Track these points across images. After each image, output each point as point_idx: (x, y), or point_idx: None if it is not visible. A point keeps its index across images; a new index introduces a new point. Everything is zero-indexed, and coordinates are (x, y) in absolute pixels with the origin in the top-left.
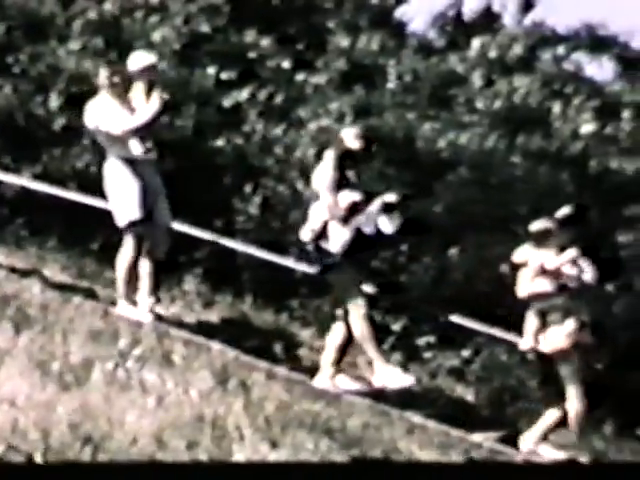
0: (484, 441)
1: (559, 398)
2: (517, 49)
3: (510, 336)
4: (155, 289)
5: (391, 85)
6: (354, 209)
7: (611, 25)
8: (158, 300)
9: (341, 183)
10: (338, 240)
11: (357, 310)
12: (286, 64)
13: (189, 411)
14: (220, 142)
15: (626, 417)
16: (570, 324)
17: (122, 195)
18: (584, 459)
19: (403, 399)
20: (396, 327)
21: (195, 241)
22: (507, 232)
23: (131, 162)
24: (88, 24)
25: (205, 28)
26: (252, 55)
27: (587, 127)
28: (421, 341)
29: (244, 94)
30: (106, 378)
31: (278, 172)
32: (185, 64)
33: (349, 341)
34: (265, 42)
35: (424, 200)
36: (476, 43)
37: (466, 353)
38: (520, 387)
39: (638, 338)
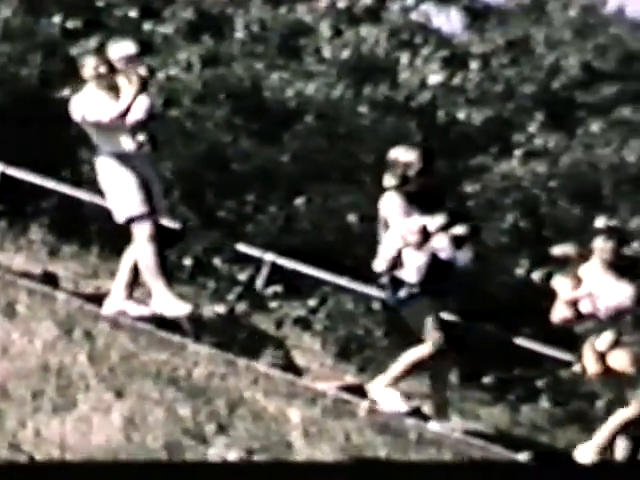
0: (329, 390)
1: None
2: None
3: (356, 285)
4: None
5: (239, 35)
6: (427, 233)
7: None
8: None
9: (410, 206)
10: (414, 267)
11: (431, 348)
12: (133, 13)
13: (34, 361)
14: (67, 92)
15: (471, 366)
16: (602, 345)
17: (120, 192)
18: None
19: (249, 348)
20: (242, 277)
21: (42, 190)
22: (354, 182)
23: (124, 157)
24: None
25: None
26: (99, 4)
27: (435, 77)
28: (268, 290)
29: (91, 43)
30: None
31: None
32: (30, 13)
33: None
34: None
35: (271, 149)
36: None
37: (312, 302)
38: (366, 336)
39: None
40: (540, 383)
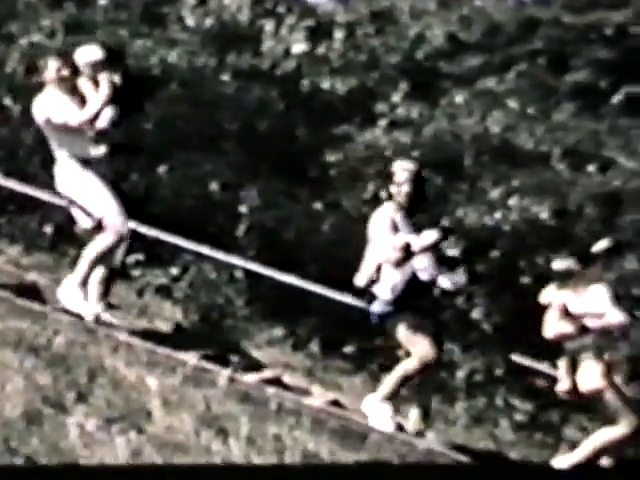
0: (190, 359)
1: None
2: None
3: (218, 254)
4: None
5: (103, 2)
6: (409, 252)
7: None
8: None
9: (403, 222)
10: (389, 284)
11: (419, 362)
12: None
13: None
14: None
15: (332, 335)
16: (602, 363)
17: (90, 195)
18: (288, 378)
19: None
20: None
21: None
22: (216, 150)
23: (86, 162)
24: None
25: None
26: None
27: (299, 46)
28: (129, 259)
29: None
30: None
31: None
32: None
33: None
34: None
35: (134, 117)
36: None
37: (174, 271)
38: (228, 305)
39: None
40: (401, 352)
